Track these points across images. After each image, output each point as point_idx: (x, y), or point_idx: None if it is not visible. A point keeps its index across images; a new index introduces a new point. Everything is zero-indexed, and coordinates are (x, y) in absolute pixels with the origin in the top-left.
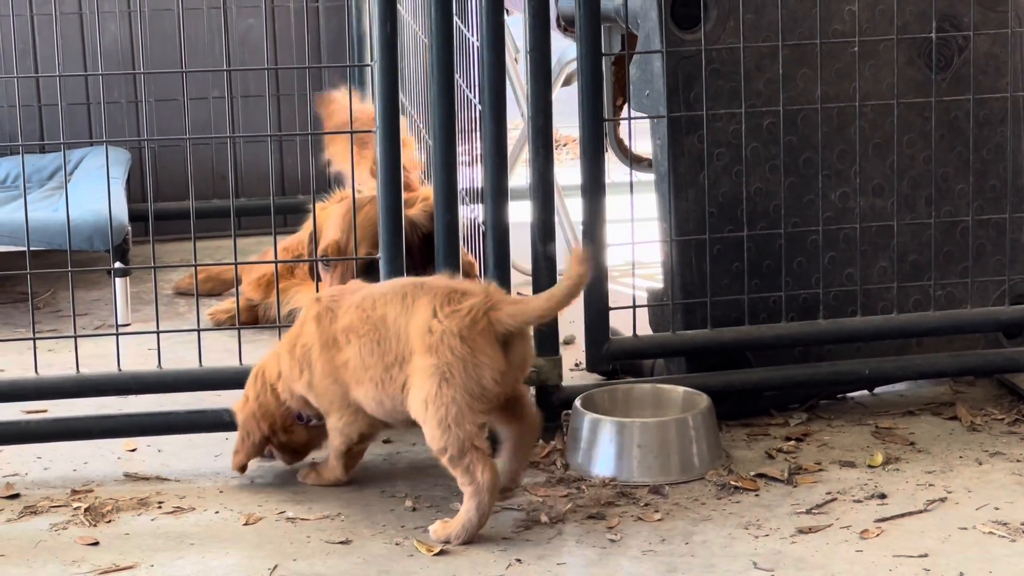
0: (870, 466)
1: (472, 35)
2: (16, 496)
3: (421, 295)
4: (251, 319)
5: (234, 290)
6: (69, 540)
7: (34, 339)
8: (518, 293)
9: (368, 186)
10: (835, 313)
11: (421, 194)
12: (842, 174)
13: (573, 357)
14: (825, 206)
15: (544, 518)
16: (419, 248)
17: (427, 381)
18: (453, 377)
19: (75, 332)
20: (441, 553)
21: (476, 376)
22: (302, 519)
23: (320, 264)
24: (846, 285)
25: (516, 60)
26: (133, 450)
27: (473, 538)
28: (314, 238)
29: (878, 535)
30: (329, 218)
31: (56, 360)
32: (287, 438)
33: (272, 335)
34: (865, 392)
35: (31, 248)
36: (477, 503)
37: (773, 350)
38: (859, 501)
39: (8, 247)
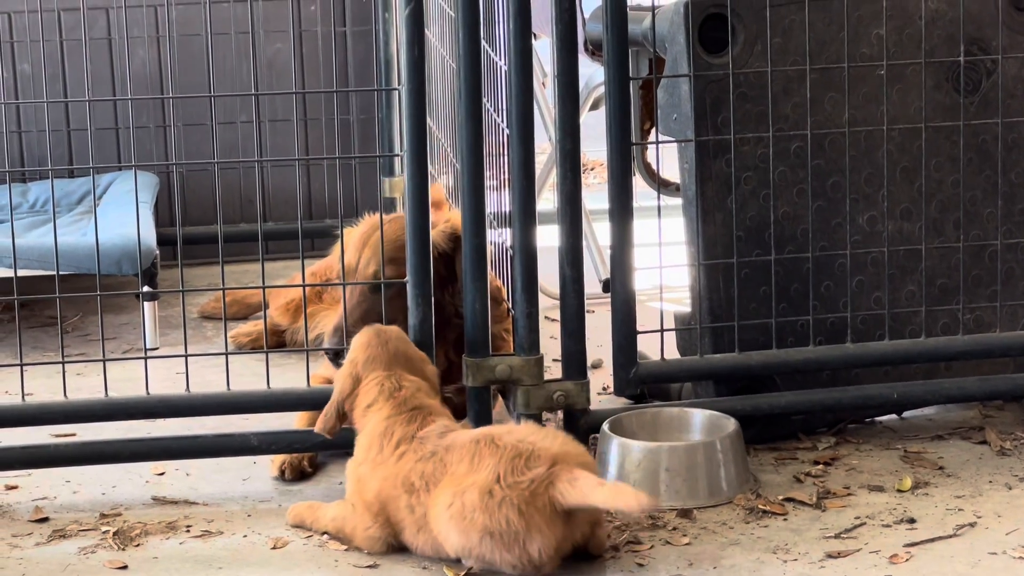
0: (899, 490)
1: (500, 59)
2: (45, 520)
3: (487, 455)
4: (277, 344)
5: (259, 313)
6: (98, 564)
7: (63, 363)
8: (546, 317)
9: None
10: (863, 337)
11: (445, 215)
12: (870, 198)
13: (601, 381)
14: (853, 230)
15: None
16: (436, 268)
17: (474, 533)
18: (500, 541)
19: (104, 356)
20: None
21: (524, 548)
22: (330, 543)
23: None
24: (874, 309)
25: (544, 84)
26: (161, 474)
27: None
28: (343, 261)
29: (907, 560)
30: (347, 244)
31: (85, 384)
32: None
33: (299, 359)
34: (894, 416)
35: (60, 272)
36: None
37: (801, 374)
38: (888, 526)
39: (37, 271)
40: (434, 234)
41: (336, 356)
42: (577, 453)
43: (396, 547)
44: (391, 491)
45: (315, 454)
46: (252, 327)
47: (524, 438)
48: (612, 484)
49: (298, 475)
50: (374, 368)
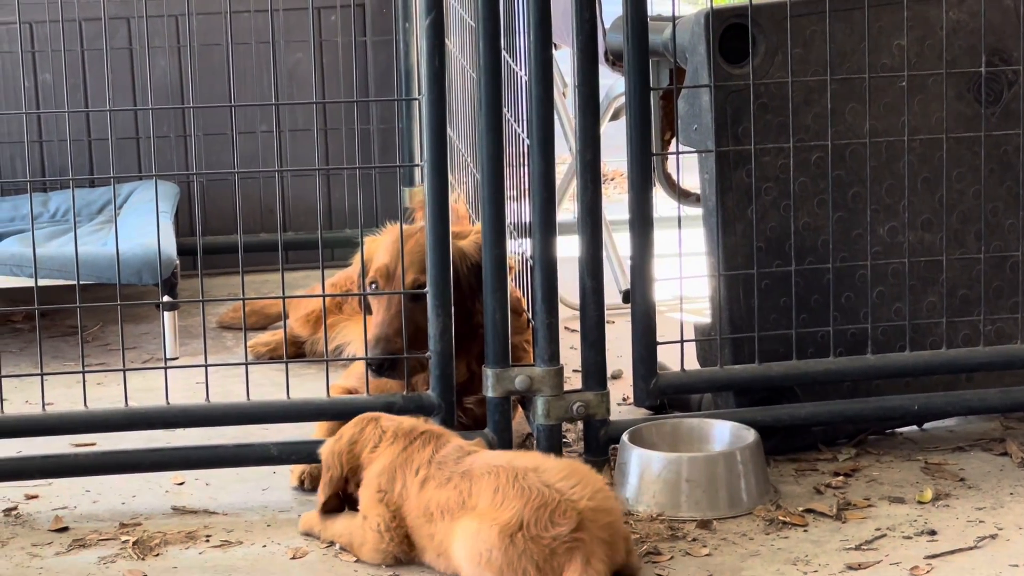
0: (920, 502)
1: (520, 69)
2: (65, 529)
3: (512, 497)
4: (296, 355)
5: (278, 323)
6: (117, 573)
7: (83, 372)
8: (566, 328)
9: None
10: (884, 348)
11: (475, 228)
12: (891, 208)
13: (621, 391)
14: (874, 240)
15: None
16: (467, 279)
17: (489, 572)
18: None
19: (124, 366)
20: None
21: None
22: (349, 553)
23: (370, 292)
24: (895, 320)
25: (564, 94)
26: (181, 483)
27: None
28: (363, 271)
29: (928, 572)
30: (379, 246)
31: (105, 393)
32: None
33: (319, 369)
34: (914, 428)
35: (80, 282)
36: None
37: (821, 385)
38: (909, 537)
39: (58, 280)
40: (465, 244)
41: (379, 368)
42: (604, 511)
43: (404, 562)
44: (414, 520)
45: None
46: (271, 337)
47: (551, 483)
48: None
49: (317, 485)
50: (356, 426)
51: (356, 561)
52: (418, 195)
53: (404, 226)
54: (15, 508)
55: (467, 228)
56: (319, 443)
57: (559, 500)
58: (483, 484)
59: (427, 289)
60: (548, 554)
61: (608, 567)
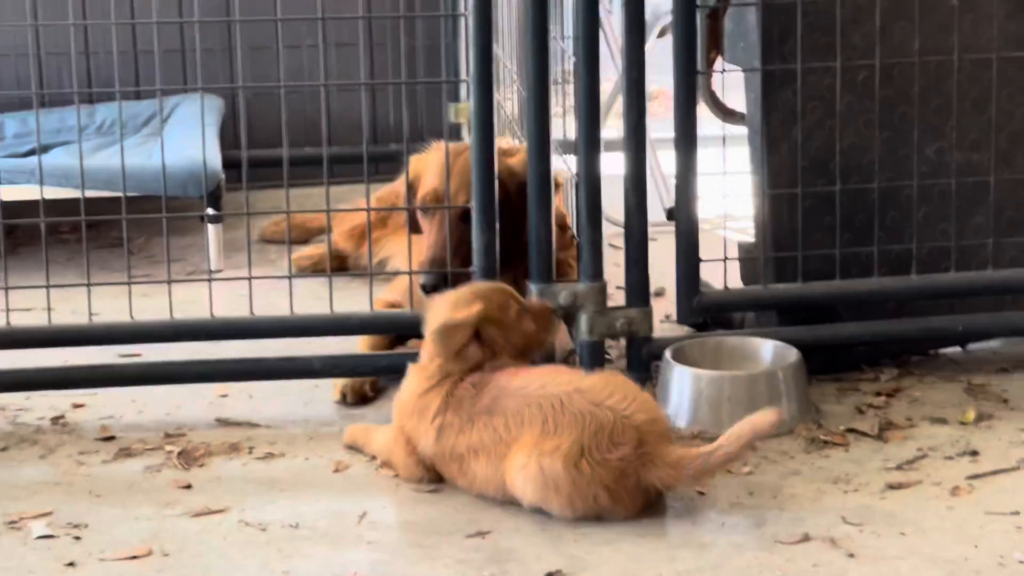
0: (962, 423)
1: None
2: (111, 438)
3: (566, 424)
4: (339, 268)
5: (320, 237)
6: (163, 483)
7: (129, 283)
8: (610, 245)
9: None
10: (928, 269)
11: (523, 146)
12: (938, 129)
13: (664, 309)
14: (920, 161)
15: None
16: (516, 196)
17: (556, 499)
18: (582, 509)
19: (168, 277)
20: None
21: (604, 514)
22: (390, 467)
23: (419, 212)
24: (940, 241)
25: (610, 12)
26: (225, 395)
27: None
28: (408, 188)
29: (969, 492)
30: (427, 167)
31: (150, 305)
32: None
33: (362, 283)
34: (958, 348)
35: (126, 194)
36: None
37: (864, 305)
38: (950, 458)
39: (104, 192)
40: (513, 162)
41: (433, 289)
42: (657, 421)
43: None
44: (438, 460)
45: (377, 378)
46: (314, 250)
47: (600, 402)
48: (706, 449)
49: (359, 399)
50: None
51: (396, 476)
52: (464, 110)
53: (452, 144)
54: (62, 416)
55: (515, 146)
56: (362, 357)
57: (614, 420)
58: (525, 418)
59: (471, 204)
60: (618, 475)
61: (688, 454)
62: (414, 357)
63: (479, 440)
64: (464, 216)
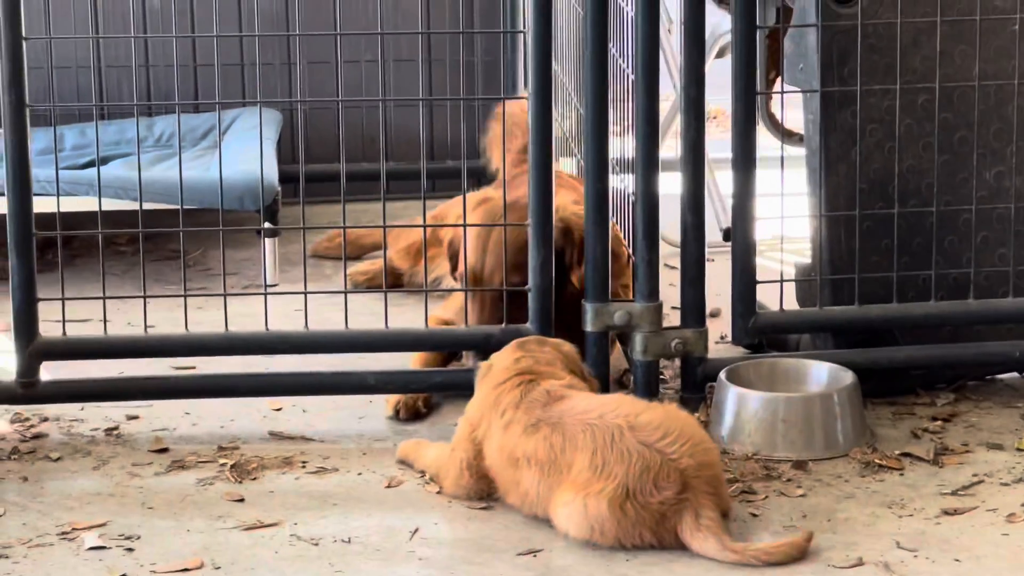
0: (1018, 449)
1: (626, 4)
2: (165, 450)
3: (613, 462)
4: (393, 285)
5: (372, 254)
6: (215, 495)
7: (185, 296)
8: (666, 265)
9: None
10: (986, 294)
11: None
12: (998, 153)
13: (719, 330)
14: (979, 185)
15: None
16: (572, 253)
17: (603, 539)
18: (628, 544)
19: (224, 290)
20: None
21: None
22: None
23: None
24: (998, 265)
25: (669, 31)
26: (278, 409)
27: None
28: (449, 255)
29: None
30: (469, 245)
31: (205, 317)
32: None
33: (417, 300)
34: (1015, 374)
35: (183, 207)
36: None
37: (921, 329)
38: (1006, 484)
39: (161, 204)
40: (569, 215)
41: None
42: (706, 465)
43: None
44: (496, 462)
45: (430, 395)
46: (369, 266)
47: (650, 442)
48: (736, 550)
49: (412, 415)
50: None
51: (441, 492)
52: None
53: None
54: (116, 428)
55: (565, 203)
56: (415, 373)
57: (660, 462)
58: (578, 444)
59: (528, 222)
60: (659, 518)
61: (718, 516)
62: (468, 374)
63: (536, 450)
64: (502, 295)
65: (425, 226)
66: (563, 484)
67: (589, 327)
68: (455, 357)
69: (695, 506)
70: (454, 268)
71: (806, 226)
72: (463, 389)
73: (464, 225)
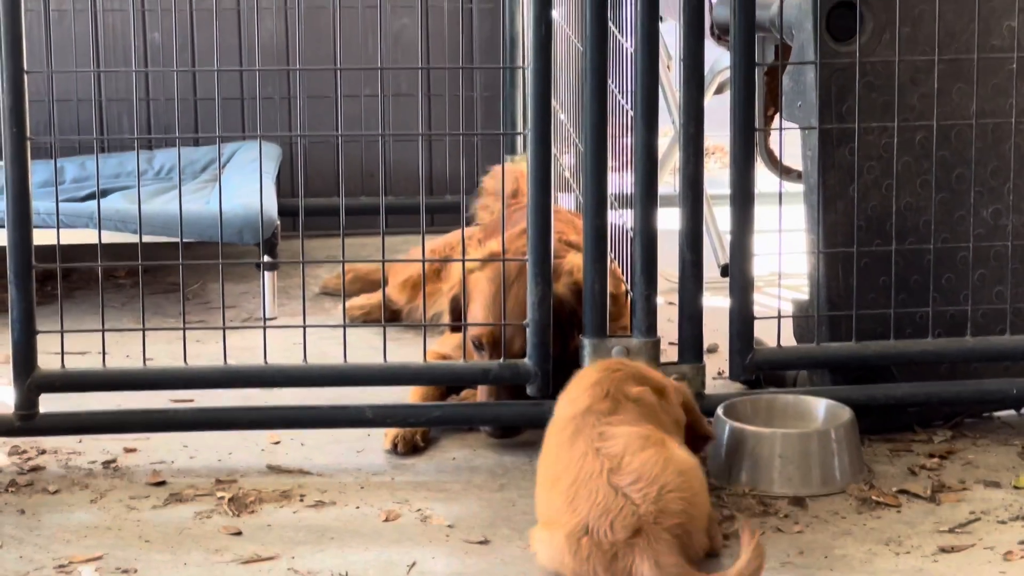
0: (1015, 487)
1: (626, 40)
2: (162, 483)
3: (582, 499)
4: (391, 319)
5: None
6: (213, 529)
7: (183, 329)
8: (665, 301)
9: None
10: (983, 331)
11: (567, 264)
12: (995, 191)
13: (716, 365)
14: (976, 223)
15: None
16: (562, 322)
17: (565, 572)
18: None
19: (223, 324)
20: None
21: None
22: (441, 518)
23: (471, 344)
24: (995, 303)
25: (668, 67)
26: (277, 442)
27: None
28: (451, 309)
29: (1022, 557)
30: (474, 294)
31: (204, 351)
32: None
33: (415, 334)
34: (1012, 412)
35: (183, 240)
36: None
37: (918, 366)
38: (1003, 522)
39: (161, 237)
40: (561, 289)
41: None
42: (669, 513)
43: (511, 525)
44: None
45: (428, 429)
46: (366, 300)
47: (621, 485)
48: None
49: (410, 449)
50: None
51: (449, 526)
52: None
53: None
54: (114, 461)
55: (559, 263)
56: (414, 407)
57: (621, 506)
58: (569, 476)
59: (527, 257)
60: (612, 558)
61: (680, 562)
62: (467, 408)
63: (569, 465)
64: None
65: (424, 261)
66: (545, 513)
67: (587, 362)
68: (454, 391)
69: (652, 552)
70: (454, 319)
71: (804, 263)
72: (462, 423)
73: (463, 259)
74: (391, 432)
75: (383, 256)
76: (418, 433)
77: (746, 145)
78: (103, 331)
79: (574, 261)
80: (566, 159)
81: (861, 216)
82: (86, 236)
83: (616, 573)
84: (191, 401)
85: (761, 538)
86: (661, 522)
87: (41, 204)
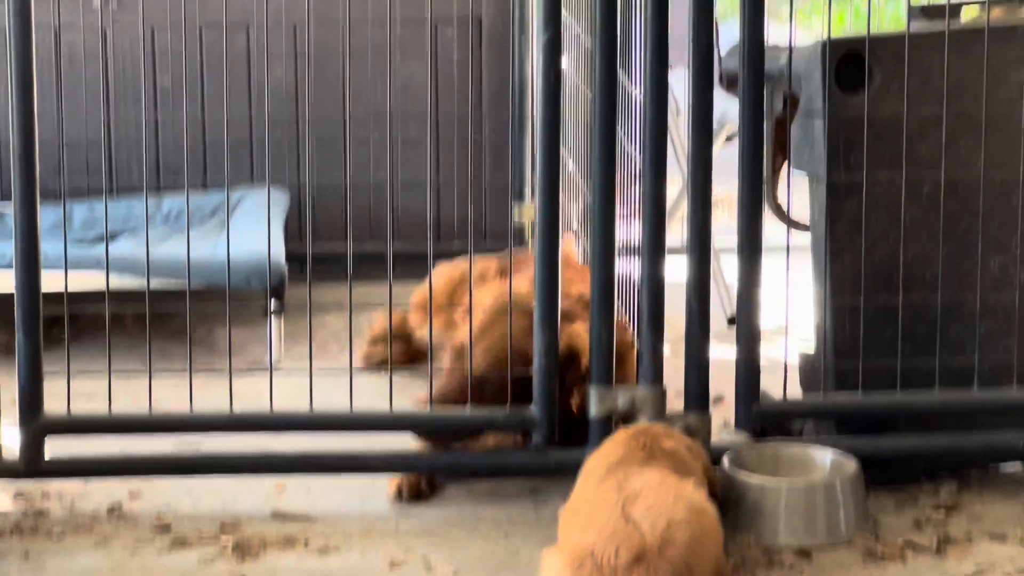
0: (1022, 541)
1: (635, 89)
2: (167, 528)
3: (594, 525)
4: (407, 349)
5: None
6: (217, 575)
7: (190, 373)
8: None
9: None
10: (990, 383)
11: (572, 331)
12: (1002, 244)
13: (722, 415)
14: (984, 275)
15: None
16: (575, 375)
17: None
18: None
19: (230, 369)
20: None
21: None
22: (445, 566)
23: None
24: (1003, 356)
25: (676, 116)
26: (282, 488)
27: None
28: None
29: None
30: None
31: (210, 396)
32: None
33: (425, 380)
34: (1018, 465)
35: (191, 285)
36: None
37: (925, 418)
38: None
39: (168, 281)
40: (570, 344)
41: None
42: (673, 545)
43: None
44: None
45: (434, 476)
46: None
47: (632, 515)
48: None
49: (415, 495)
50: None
51: (453, 573)
52: (529, 211)
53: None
54: (119, 505)
55: (566, 287)
56: (419, 455)
57: (630, 533)
58: (588, 507)
59: (534, 304)
60: None
61: None
62: (473, 458)
63: (591, 499)
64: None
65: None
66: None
67: (593, 412)
68: (459, 439)
69: None
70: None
71: (811, 314)
72: (467, 471)
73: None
74: (395, 479)
75: (390, 302)
76: (423, 480)
77: (754, 195)
78: (109, 374)
79: (574, 329)
80: (574, 208)
81: (868, 267)
82: (94, 280)
83: None
84: (196, 445)
85: None
86: (664, 553)
87: (49, 247)
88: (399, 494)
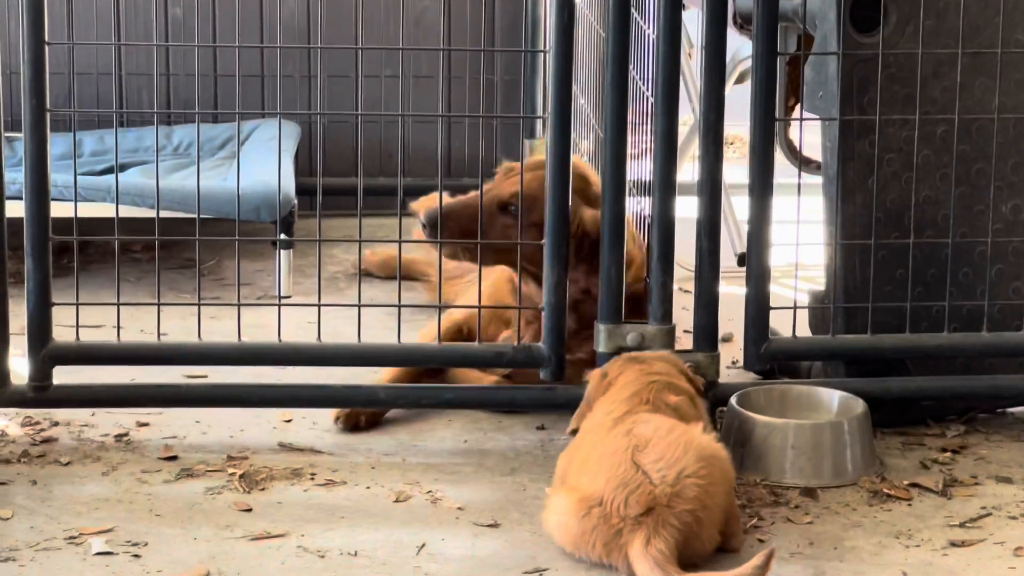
0: None
1: (648, 27)
2: (174, 458)
3: (603, 471)
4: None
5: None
6: (223, 505)
7: (199, 305)
8: (679, 288)
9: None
10: (999, 326)
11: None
12: (1015, 186)
13: (731, 355)
14: (995, 217)
15: None
16: (584, 252)
17: (564, 538)
18: (583, 554)
19: (238, 301)
20: None
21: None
22: (451, 500)
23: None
24: (1012, 299)
25: (690, 55)
26: (289, 421)
27: None
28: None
29: None
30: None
31: (218, 327)
32: None
33: (431, 315)
34: None
35: (200, 216)
36: None
37: (933, 360)
38: (1014, 518)
39: (177, 213)
40: (588, 217)
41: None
42: (684, 498)
43: (522, 508)
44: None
45: (376, 412)
46: (385, 254)
47: (644, 463)
48: None
49: (352, 426)
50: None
51: (459, 508)
52: (541, 147)
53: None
54: (126, 434)
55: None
56: (426, 388)
57: (639, 483)
58: (598, 451)
59: (544, 241)
60: (615, 533)
61: (668, 552)
62: (480, 392)
63: (601, 444)
64: (504, 208)
65: (441, 242)
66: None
67: (601, 347)
68: (435, 373)
69: (649, 532)
70: (430, 235)
71: (821, 254)
72: (475, 404)
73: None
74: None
75: (399, 236)
76: (364, 414)
77: (766, 135)
78: (118, 304)
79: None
80: (584, 144)
81: (879, 209)
82: (103, 210)
83: (612, 550)
84: (204, 377)
85: (772, 528)
86: (673, 506)
87: (59, 176)
88: (336, 420)
